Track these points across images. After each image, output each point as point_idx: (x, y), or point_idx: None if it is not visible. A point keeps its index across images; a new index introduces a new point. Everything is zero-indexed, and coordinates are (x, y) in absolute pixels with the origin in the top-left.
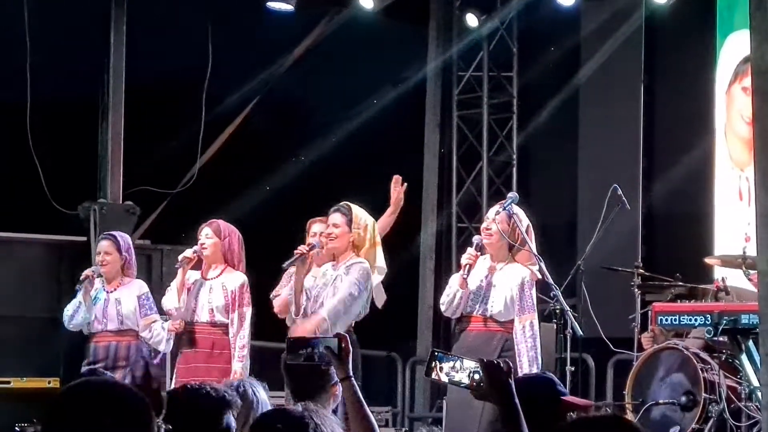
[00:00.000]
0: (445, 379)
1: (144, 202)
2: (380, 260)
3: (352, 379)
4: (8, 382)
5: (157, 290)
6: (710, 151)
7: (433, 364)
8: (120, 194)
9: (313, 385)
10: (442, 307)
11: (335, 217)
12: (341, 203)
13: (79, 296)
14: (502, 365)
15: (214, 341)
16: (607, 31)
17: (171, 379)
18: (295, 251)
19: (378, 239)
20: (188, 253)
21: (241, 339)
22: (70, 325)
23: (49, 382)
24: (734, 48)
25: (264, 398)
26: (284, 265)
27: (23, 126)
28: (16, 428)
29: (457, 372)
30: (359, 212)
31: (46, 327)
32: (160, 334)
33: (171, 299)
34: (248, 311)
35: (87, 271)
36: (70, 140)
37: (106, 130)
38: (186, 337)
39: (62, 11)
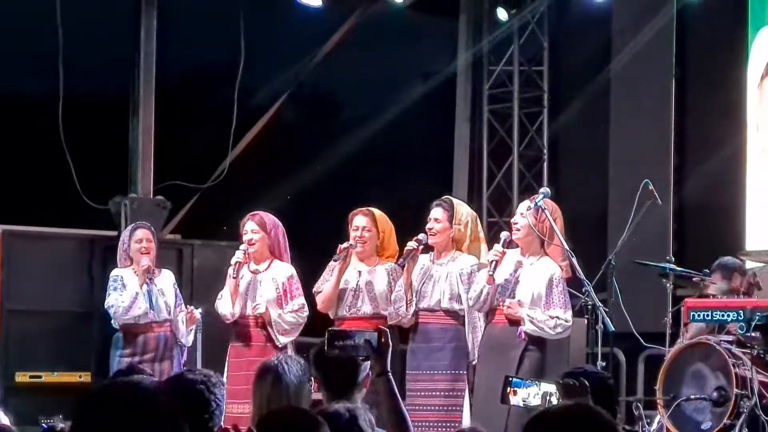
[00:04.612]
0: (520, 403)
1: (175, 196)
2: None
3: (389, 374)
4: (39, 377)
5: (187, 285)
6: (742, 146)
7: (508, 390)
8: (151, 189)
9: (345, 379)
10: (470, 302)
11: (436, 212)
12: (443, 197)
13: (133, 287)
14: (578, 385)
15: (267, 335)
16: (638, 24)
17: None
18: (341, 246)
19: (481, 235)
20: (239, 257)
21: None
22: (126, 317)
23: (80, 377)
24: (766, 42)
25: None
26: (335, 258)
27: (55, 120)
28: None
29: (533, 397)
30: (461, 208)
31: (77, 321)
32: (181, 327)
33: (225, 305)
34: (298, 302)
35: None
36: (101, 134)
37: (137, 124)
38: (238, 331)
39: (94, 4)
